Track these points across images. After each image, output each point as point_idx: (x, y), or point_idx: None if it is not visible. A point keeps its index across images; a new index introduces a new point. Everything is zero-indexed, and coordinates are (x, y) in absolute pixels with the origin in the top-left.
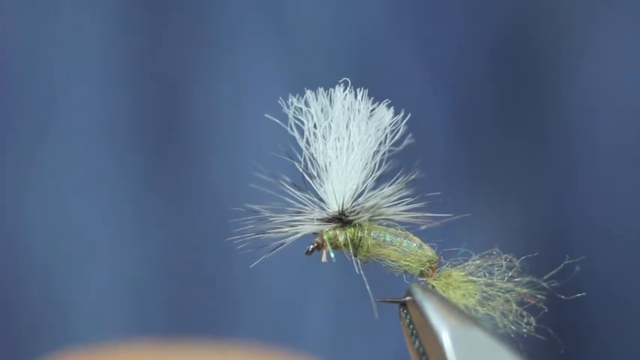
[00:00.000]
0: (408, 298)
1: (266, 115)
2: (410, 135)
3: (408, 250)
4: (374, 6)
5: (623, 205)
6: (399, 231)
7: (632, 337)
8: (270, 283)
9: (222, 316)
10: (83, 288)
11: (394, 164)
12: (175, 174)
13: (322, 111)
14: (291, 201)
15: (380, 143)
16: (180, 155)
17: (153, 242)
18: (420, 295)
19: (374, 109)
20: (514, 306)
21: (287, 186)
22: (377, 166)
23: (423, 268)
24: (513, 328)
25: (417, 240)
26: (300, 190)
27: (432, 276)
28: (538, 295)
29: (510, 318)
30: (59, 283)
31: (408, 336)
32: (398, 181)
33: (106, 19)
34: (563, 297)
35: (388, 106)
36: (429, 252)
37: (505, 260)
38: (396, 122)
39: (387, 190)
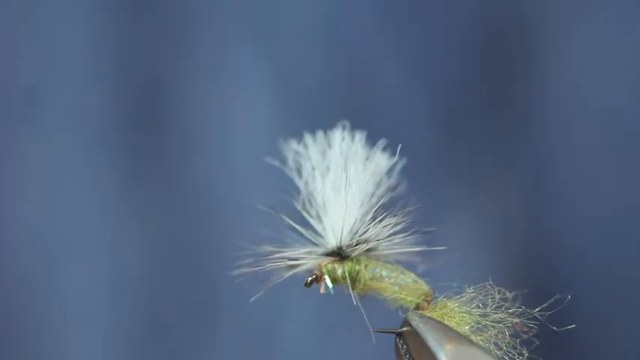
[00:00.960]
0: (405, 328)
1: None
2: (403, 181)
3: (404, 284)
4: (359, 7)
5: (614, 206)
6: (395, 266)
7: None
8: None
9: (204, 318)
10: (63, 288)
11: (390, 198)
12: (160, 171)
13: (320, 154)
14: (290, 241)
15: (377, 186)
16: (165, 152)
17: (135, 241)
18: (416, 321)
19: (371, 153)
20: (507, 337)
21: (286, 219)
22: (374, 204)
23: (418, 301)
24: (506, 359)
25: (412, 275)
26: (298, 227)
27: (427, 309)
28: (530, 325)
29: (504, 348)
30: (39, 284)
31: None
32: (394, 216)
33: (88, 16)
34: (555, 328)
35: (384, 149)
36: (424, 286)
37: (498, 293)
38: (393, 166)
39: (384, 224)
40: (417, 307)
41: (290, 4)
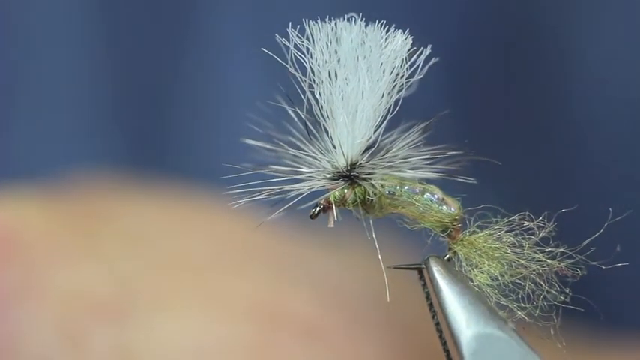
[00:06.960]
0: (422, 265)
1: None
2: (433, 58)
3: (427, 210)
4: None
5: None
6: (417, 184)
7: None
8: None
9: None
10: None
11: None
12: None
13: (328, 47)
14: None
15: (397, 76)
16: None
17: None
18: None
19: (388, 39)
20: (545, 278)
21: (284, 146)
22: (391, 109)
23: (444, 230)
24: (548, 297)
25: (438, 192)
26: (303, 144)
27: (455, 238)
28: (573, 271)
29: (545, 289)
30: None
31: (428, 305)
32: (413, 132)
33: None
34: (602, 267)
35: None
36: (452, 208)
37: (536, 223)
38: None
39: (404, 138)
40: (444, 233)
41: None
